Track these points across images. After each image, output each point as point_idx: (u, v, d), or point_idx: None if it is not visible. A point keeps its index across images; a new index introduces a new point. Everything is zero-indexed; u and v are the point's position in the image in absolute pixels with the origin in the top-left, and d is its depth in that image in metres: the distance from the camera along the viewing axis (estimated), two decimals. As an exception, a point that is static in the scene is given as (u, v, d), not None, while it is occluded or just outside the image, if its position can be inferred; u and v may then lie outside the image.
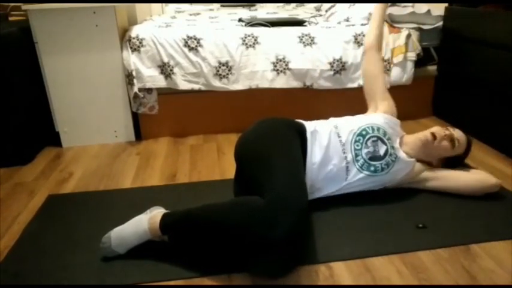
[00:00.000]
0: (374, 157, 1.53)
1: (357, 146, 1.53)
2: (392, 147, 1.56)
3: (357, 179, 1.53)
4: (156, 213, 1.30)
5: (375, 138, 1.54)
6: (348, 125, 1.58)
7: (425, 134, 1.62)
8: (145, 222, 1.28)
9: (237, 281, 1.21)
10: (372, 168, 1.53)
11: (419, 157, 1.64)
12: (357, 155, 1.53)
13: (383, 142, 1.55)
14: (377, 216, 1.51)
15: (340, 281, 1.21)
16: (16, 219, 1.56)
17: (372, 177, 1.54)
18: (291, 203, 1.15)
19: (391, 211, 1.54)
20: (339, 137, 1.55)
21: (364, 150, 1.53)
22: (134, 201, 1.64)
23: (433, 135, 1.59)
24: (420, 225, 1.44)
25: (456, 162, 1.68)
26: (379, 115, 1.67)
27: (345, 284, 1.20)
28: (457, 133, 1.64)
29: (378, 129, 1.57)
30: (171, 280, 1.21)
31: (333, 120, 1.65)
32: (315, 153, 1.51)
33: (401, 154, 1.58)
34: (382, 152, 1.54)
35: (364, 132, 1.55)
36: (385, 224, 1.46)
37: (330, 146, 1.52)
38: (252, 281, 1.21)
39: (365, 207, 1.56)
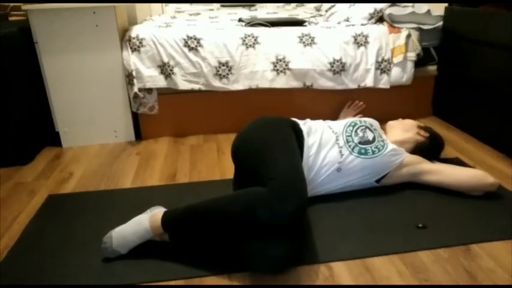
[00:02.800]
0: (364, 142, 1.63)
1: (348, 133, 1.65)
2: (380, 136, 1.69)
3: (349, 160, 1.58)
4: (157, 212, 1.31)
5: (363, 127, 1.69)
6: (337, 122, 1.75)
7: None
8: (146, 220, 1.28)
9: (237, 281, 1.21)
10: (363, 151, 1.60)
11: (405, 144, 1.74)
12: (348, 141, 1.62)
13: (370, 130, 1.69)
14: (377, 216, 1.51)
15: (340, 281, 1.21)
16: (16, 219, 1.56)
17: (365, 160, 1.59)
18: (293, 188, 1.21)
19: (391, 211, 1.54)
20: (331, 128, 1.66)
21: (355, 137, 1.64)
22: (134, 201, 1.64)
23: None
24: (420, 225, 1.44)
25: (435, 148, 1.80)
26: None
27: (345, 284, 1.20)
28: None
29: (365, 121, 1.74)
30: (171, 280, 1.22)
31: (323, 121, 1.78)
32: (310, 142, 1.58)
33: (390, 142, 1.68)
34: (370, 137, 1.65)
35: (353, 124, 1.70)
36: (385, 224, 1.46)
37: (323, 135, 1.62)
38: (252, 281, 1.21)
39: (365, 207, 1.56)
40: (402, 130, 1.80)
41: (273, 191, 1.19)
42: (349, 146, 1.60)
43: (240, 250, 1.23)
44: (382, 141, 1.66)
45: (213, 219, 1.23)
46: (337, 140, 1.62)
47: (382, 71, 2.36)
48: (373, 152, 1.60)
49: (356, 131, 1.66)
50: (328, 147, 1.59)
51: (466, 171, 1.67)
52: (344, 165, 1.58)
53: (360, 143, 1.62)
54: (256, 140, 1.48)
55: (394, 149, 1.63)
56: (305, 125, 1.65)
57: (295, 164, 1.35)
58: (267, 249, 1.19)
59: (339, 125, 1.70)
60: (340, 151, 1.59)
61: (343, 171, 1.58)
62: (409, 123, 1.84)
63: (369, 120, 1.77)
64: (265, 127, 1.54)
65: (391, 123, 1.89)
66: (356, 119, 1.77)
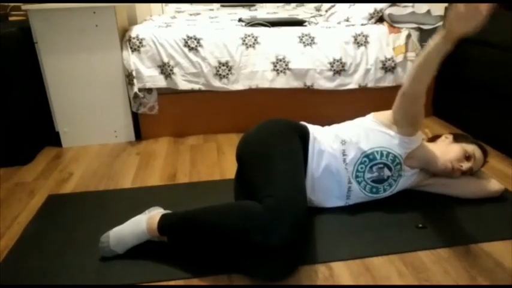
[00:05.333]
0: (377, 180, 1.49)
1: (361, 168, 1.46)
2: (399, 170, 1.49)
3: (356, 196, 1.52)
4: (154, 214, 1.30)
5: (381, 165, 1.46)
6: (357, 143, 1.46)
7: (446, 164, 1.50)
8: (144, 222, 1.28)
9: (237, 281, 1.21)
10: (374, 190, 1.51)
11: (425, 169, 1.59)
12: (357, 176, 1.48)
13: (389, 168, 1.46)
14: (377, 216, 1.51)
15: (340, 281, 1.21)
16: (16, 219, 1.56)
17: (373, 196, 1.53)
18: (288, 210, 1.14)
19: (391, 211, 1.54)
20: (344, 155, 1.46)
21: (367, 175, 1.47)
22: (134, 201, 1.64)
23: (453, 168, 1.50)
24: (420, 225, 1.44)
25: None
26: (397, 137, 1.45)
27: (345, 284, 1.20)
28: (474, 151, 1.52)
29: (388, 154, 1.44)
30: (171, 280, 1.21)
31: (341, 132, 1.51)
32: (315, 168, 1.47)
33: (405, 172, 1.52)
34: (386, 176, 1.48)
35: (371, 157, 1.44)
36: (385, 224, 1.46)
37: (333, 167, 1.47)
38: (252, 281, 1.21)
39: (365, 207, 1.55)
40: (440, 168, 1.52)
41: (267, 210, 1.13)
42: (359, 183, 1.48)
43: (238, 258, 1.23)
44: (399, 175, 1.50)
45: (209, 233, 1.21)
46: (347, 170, 1.47)
47: (387, 70, 2.35)
48: (385, 190, 1.52)
49: (371, 168, 1.46)
50: (335, 179, 1.48)
51: (474, 184, 1.58)
52: (350, 199, 1.53)
53: (372, 181, 1.48)
54: (261, 147, 1.39)
55: (407, 177, 1.53)
56: (315, 138, 1.48)
57: (297, 181, 1.27)
58: (266, 257, 1.18)
59: (355, 148, 1.45)
60: (349, 188, 1.50)
61: (347, 203, 1.55)
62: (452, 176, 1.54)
63: (395, 151, 1.43)
64: (273, 133, 1.44)
65: (444, 169, 1.51)
66: (378, 149, 1.44)
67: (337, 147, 1.47)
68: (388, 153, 1.45)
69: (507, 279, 1.20)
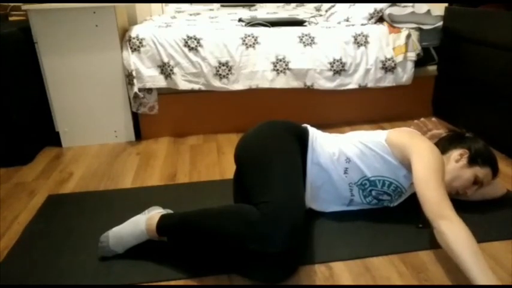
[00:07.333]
0: (377, 199, 1.49)
1: (360, 187, 1.46)
2: (399, 194, 1.48)
3: (358, 205, 1.53)
4: (153, 215, 1.30)
5: (381, 193, 1.46)
6: (361, 167, 1.41)
7: (451, 191, 1.44)
8: (143, 222, 1.28)
9: (237, 281, 1.21)
10: (375, 202, 1.51)
11: None
12: (355, 190, 1.48)
13: (388, 195, 1.47)
14: (377, 216, 1.51)
15: (340, 281, 1.21)
16: (16, 219, 1.56)
17: (376, 206, 1.53)
18: (285, 218, 1.11)
19: (391, 211, 1.54)
20: (346, 173, 1.44)
21: (366, 193, 1.47)
22: (134, 201, 1.64)
23: (457, 193, 1.46)
24: (420, 225, 1.44)
25: None
26: (405, 171, 1.40)
27: (345, 284, 1.20)
28: (485, 178, 1.46)
29: (390, 184, 1.43)
30: (171, 280, 1.21)
31: (347, 148, 1.44)
32: (315, 178, 1.45)
33: (406, 193, 1.49)
34: (384, 198, 1.49)
35: (372, 183, 1.43)
36: (385, 224, 1.46)
37: (333, 181, 1.45)
38: (252, 281, 1.21)
39: (365, 207, 1.56)
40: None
41: (265, 219, 1.11)
42: (365, 198, 1.49)
43: (237, 260, 1.23)
44: (399, 196, 1.50)
45: (206, 237, 1.21)
46: (349, 186, 1.46)
47: (387, 70, 2.35)
48: (387, 204, 1.52)
49: (370, 192, 1.46)
50: (336, 192, 1.47)
51: (487, 190, 1.54)
52: (351, 206, 1.53)
53: (374, 197, 1.49)
54: (260, 151, 1.35)
55: (409, 192, 1.49)
56: (314, 152, 1.44)
57: (295, 188, 1.24)
58: (264, 260, 1.18)
59: (359, 172, 1.42)
60: (351, 200, 1.50)
61: (349, 208, 1.54)
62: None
63: (399, 183, 1.42)
64: (272, 136, 1.40)
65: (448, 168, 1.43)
66: (381, 178, 1.42)
67: (340, 164, 1.43)
68: (391, 183, 1.43)
69: (507, 279, 1.20)
